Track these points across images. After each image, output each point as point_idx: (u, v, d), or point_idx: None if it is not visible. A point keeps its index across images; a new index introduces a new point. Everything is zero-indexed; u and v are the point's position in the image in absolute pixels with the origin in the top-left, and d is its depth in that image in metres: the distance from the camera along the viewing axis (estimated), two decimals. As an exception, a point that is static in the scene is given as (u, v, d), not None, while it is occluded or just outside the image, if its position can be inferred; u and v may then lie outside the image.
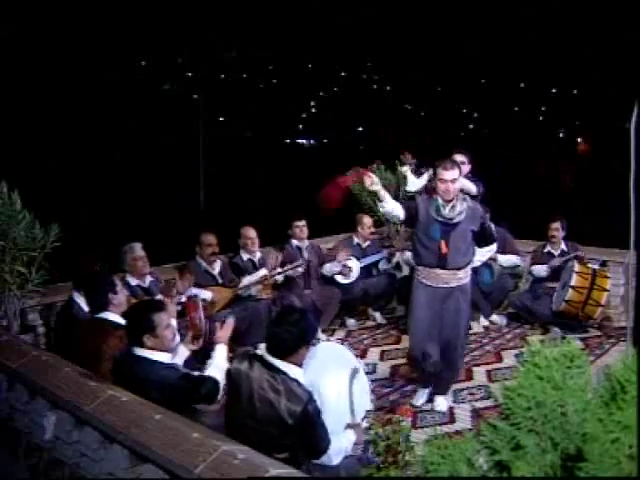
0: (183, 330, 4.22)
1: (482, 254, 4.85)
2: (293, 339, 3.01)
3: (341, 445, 3.13)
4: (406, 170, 6.16)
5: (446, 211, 4.43)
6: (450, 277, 4.50)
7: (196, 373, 3.31)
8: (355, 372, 3.54)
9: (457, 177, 4.43)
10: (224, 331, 3.46)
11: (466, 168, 5.59)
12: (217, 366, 3.29)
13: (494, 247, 4.99)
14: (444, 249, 4.44)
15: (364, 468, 2.77)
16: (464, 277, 4.58)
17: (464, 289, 4.59)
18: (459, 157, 5.55)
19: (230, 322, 3.53)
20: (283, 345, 3.01)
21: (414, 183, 5.89)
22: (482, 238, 4.65)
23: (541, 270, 6.39)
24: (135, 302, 3.78)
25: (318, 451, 3.03)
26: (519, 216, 6.92)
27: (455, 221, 4.45)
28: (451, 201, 4.43)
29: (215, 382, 3.22)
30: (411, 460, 2.69)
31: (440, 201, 4.46)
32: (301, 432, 2.91)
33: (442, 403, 4.69)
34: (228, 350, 5.34)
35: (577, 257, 6.21)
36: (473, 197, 5.64)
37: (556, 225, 6.37)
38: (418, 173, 5.99)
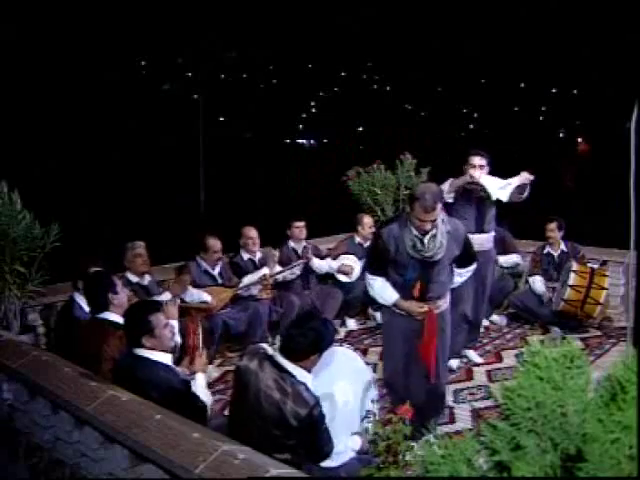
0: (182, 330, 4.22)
1: (461, 275, 4.18)
2: (307, 344, 3.02)
3: (344, 448, 3.14)
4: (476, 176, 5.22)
5: (425, 247, 3.74)
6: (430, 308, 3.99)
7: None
8: (370, 384, 3.56)
9: (438, 215, 3.75)
10: (200, 361, 3.49)
11: (485, 170, 5.25)
12: (202, 393, 3.32)
13: (474, 266, 4.28)
14: (416, 293, 3.89)
15: (364, 468, 2.78)
16: (443, 304, 4.08)
17: (443, 315, 4.08)
18: (478, 160, 5.22)
19: (204, 354, 3.56)
20: (297, 348, 3.02)
21: (502, 193, 5.18)
22: (463, 260, 4.07)
23: (540, 290, 6.35)
24: (131, 304, 3.77)
25: (321, 455, 3.05)
26: (519, 216, 6.91)
27: (436, 258, 3.81)
28: (428, 231, 3.76)
29: (204, 405, 3.27)
30: (411, 460, 2.69)
31: (415, 232, 3.76)
32: (305, 435, 2.92)
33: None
34: (229, 350, 5.37)
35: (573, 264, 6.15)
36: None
37: (552, 226, 6.38)
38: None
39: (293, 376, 2.98)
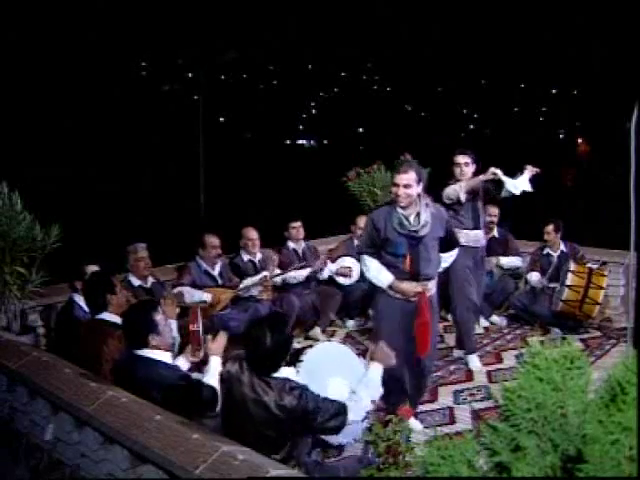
0: (183, 331, 4.22)
1: (445, 260, 4.38)
2: (274, 355, 2.98)
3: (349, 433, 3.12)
4: (499, 173, 5.23)
5: (410, 223, 4.04)
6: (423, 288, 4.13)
7: (197, 377, 3.30)
8: (354, 374, 3.53)
9: (412, 183, 3.99)
10: (217, 343, 3.39)
11: (471, 169, 5.36)
12: (213, 376, 3.25)
13: (456, 251, 4.48)
14: (407, 267, 4.06)
15: (364, 469, 2.78)
16: (433, 288, 4.25)
17: (432, 300, 4.26)
18: (462, 158, 5.35)
19: (223, 335, 3.45)
20: (271, 363, 2.98)
21: (516, 185, 5.23)
22: (446, 244, 4.30)
23: (536, 282, 6.39)
24: (131, 305, 3.75)
25: (337, 427, 3.01)
26: (520, 217, 6.94)
27: (421, 234, 4.06)
28: (410, 209, 4.04)
29: (214, 390, 3.19)
30: (411, 461, 2.69)
31: (401, 211, 4.05)
32: (300, 424, 2.90)
33: (414, 424, 4.29)
34: (227, 351, 5.31)
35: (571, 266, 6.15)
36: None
37: (549, 229, 6.40)
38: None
39: (274, 376, 2.96)
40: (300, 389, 2.91)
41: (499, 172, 5.21)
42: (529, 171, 5.33)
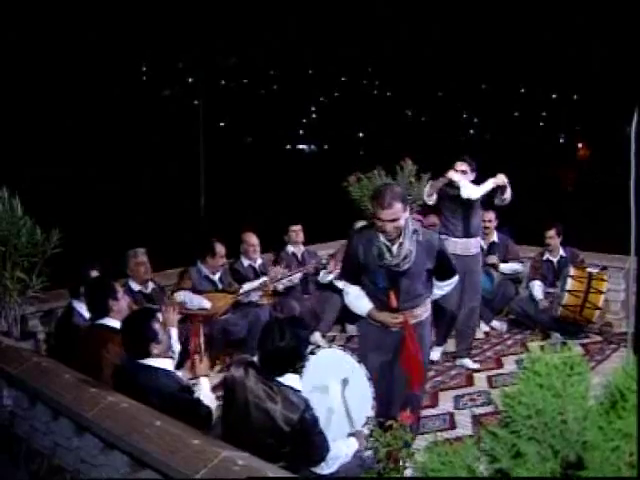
0: (183, 336, 4.22)
1: (441, 288, 3.94)
2: (292, 357, 2.98)
3: (339, 452, 3.09)
4: (458, 179, 5.29)
5: (390, 256, 3.59)
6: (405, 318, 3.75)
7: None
8: (346, 381, 3.51)
9: (399, 215, 3.50)
10: (203, 365, 3.41)
11: (470, 177, 5.41)
12: (206, 397, 3.26)
13: (455, 279, 3.97)
14: (394, 303, 3.68)
15: (364, 472, 2.77)
16: (422, 313, 3.84)
17: (423, 323, 3.87)
18: (460, 165, 5.41)
19: (205, 358, 3.46)
20: (281, 363, 2.97)
21: (474, 190, 5.26)
22: (440, 273, 3.83)
23: (537, 292, 6.40)
24: (130, 313, 3.74)
25: (316, 459, 2.99)
26: (520, 221, 6.93)
27: (403, 268, 3.62)
28: (396, 239, 3.59)
29: (209, 410, 3.21)
30: (411, 466, 2.68)
31: (382, 240, 3.59)
32: (298, 440, 2.88)
33: None
34: (229, 356, 5.35)
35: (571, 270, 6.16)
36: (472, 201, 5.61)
37: (551, 233, 6.40)
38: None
39: (280, 382, 2.94)
40: (304, 402, 2.90)
41: (456, 176, 5.27)
42: (494, 180, 5.34)
